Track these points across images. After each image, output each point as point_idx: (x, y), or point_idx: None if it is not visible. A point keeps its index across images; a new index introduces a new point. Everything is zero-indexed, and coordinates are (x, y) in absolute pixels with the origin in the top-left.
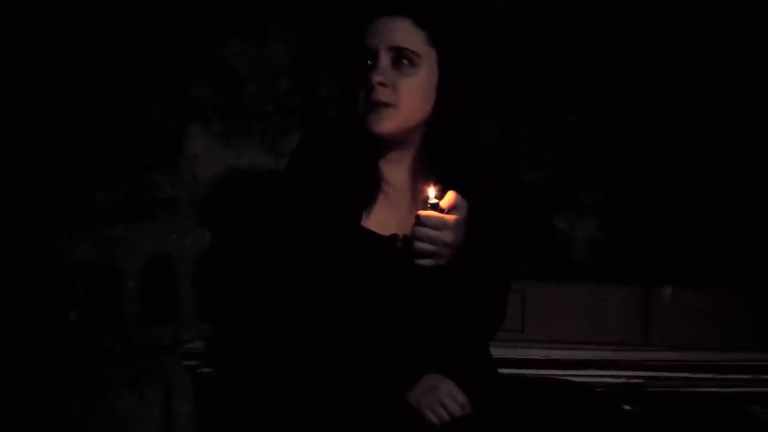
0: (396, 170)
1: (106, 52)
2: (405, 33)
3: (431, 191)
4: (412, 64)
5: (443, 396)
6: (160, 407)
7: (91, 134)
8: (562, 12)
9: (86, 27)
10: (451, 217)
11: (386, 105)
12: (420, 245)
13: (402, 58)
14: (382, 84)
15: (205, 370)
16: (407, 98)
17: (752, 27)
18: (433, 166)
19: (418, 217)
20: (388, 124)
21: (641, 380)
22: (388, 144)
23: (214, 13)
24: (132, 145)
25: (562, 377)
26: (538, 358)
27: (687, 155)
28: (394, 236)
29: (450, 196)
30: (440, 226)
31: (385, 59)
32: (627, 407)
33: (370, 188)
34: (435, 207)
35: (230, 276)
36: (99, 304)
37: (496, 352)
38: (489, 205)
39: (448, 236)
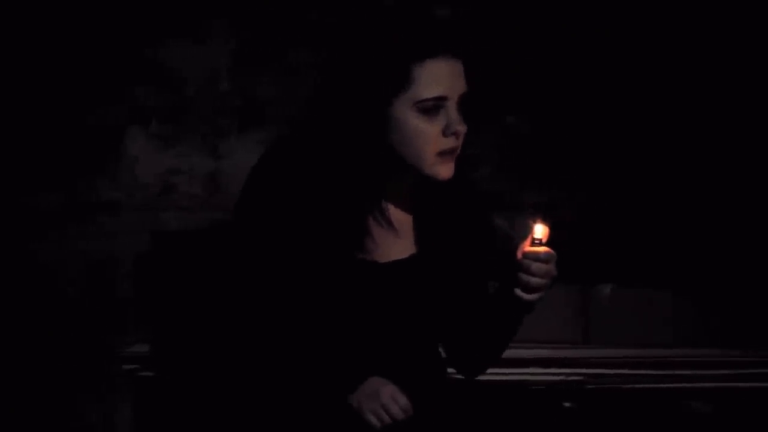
0: (396, 197)
1: (44, 53)
2: (464, 77)
3: (539, 227)
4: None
5: (385, 399)
6: (99, 411)
7: (31, 137)
8: (499, 13)
9: (25, 29)
10: (553, 251)
11: (456, 152)
12: (538, 281)
13: (463, 103)
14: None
15: (146, 373)
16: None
17: (682, 24)
18: (431, 194)
19: (532, 253)
20: (453, 170)
21: (581, 377)
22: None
23: (153, 14)
24: (71, 147)
25: (502, 375)
26: None
27: (626, 155)
28: (394, 263)
29: (546, 230)
30: (551, 260)
31: (456, 106)
32: (567, 404)
33: (370, 216)
34: (539, 242)
35: (174, 280)
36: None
37: None
38: (475, 236)
39: (554, 269)
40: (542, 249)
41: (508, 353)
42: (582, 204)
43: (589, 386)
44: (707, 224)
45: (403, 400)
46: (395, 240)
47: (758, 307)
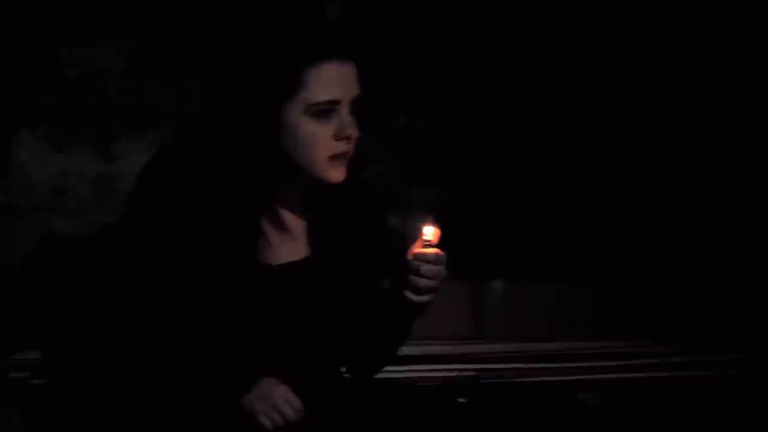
0: (289, 200)
1: None
2: (357, 80)
3: (428, 229)
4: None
5: (277, 400)
6: None
7: None
8: (390, 14)
9: None
10: (443, 252)
11: (348, 156)
12: (427, 282)
13: (355, 106)
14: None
15: (36, 381)
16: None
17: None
18: (324, 196)
19: (421, 255)
20: (345, 173)
21: (474, 373)
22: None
23: (42, 15)
24: None
25: (396, 373)
26: None
27: (518, 152)
28: (287, 265)
29: (437, 231)
30: (440, 261)
31: (349, 109)
32: (461, 400)
33: (263, 218)
34: (429, 243)
35: (64, 284)
36: None
37: None
38: (369, 237)
39: (444, 271)
40: (432, 251)
41: (402, 350)
42: (474, 201)
43: (483, 381)
44: (597, 216)
45: (295, 401)
46: (289, 242)
47: (652, 298)
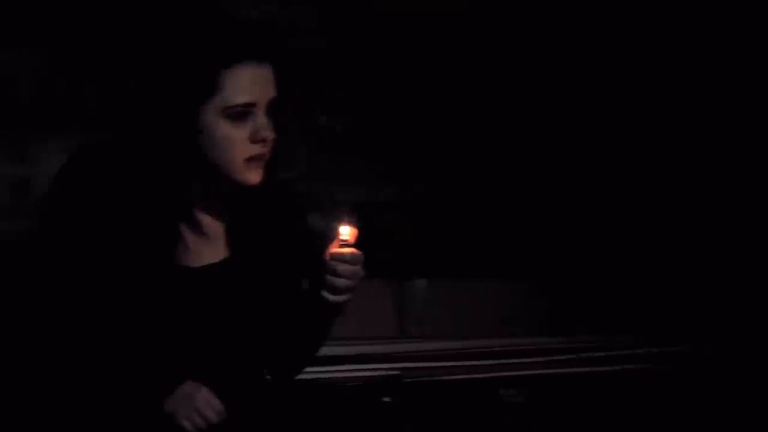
0: (208, 202)
1: None
2: (273, 82)
3: (344, 229)
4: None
5: (199, 403)
6: None
7: None
8: (310, 13)
9: None
10: (359, 252)
11: (265, 158)
12: (344, 282)
13: (272, 108)
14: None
15: None
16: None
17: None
18: (243, 197)
19: (338, 255)
20: (261, 175)
21: (398, 372)
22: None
23: None
24: None
25: (320, 374)
26: None
27: (438, 151)
28: (206, 267)
29: (353, 231)
30: (357, 261)
31: (265, 111)
32: (385, 399)
33: (181, 221)
34: (346, 243)
35: None
36: None
37: None
38: (289, 238)
39: (361, 270)
40: (348, 250)
41: (325, 351)
42: (396, 200)
43: (407, 380)
44: (517, 213)
45: (217, 404)
46: (208, 244)
47: (572, 294)
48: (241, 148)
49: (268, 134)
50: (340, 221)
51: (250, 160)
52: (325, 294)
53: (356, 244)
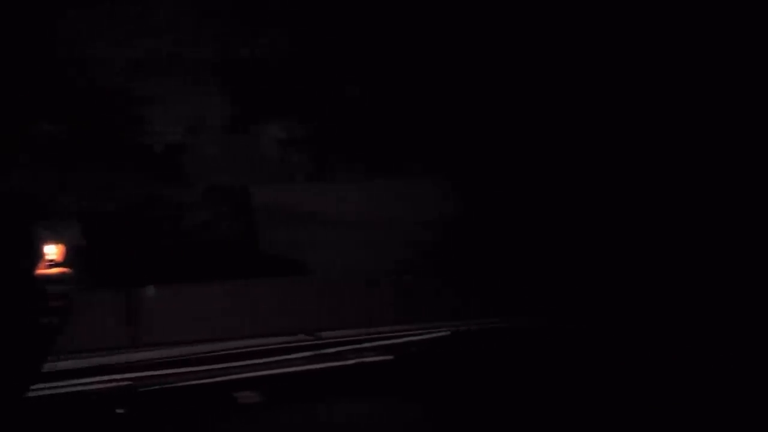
0: None
1: None
2: None
3: (50, 248)
4: None
5: None
6: None
7: None
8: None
9: None
10: (68, 270)
11: None
12: (54, 303)
13: None
14: None
15: None
16: None
17: None
18: None
19: (43, 276)
20: None
21: (131, 382)
22: None
23: None
24: None
25: (54, 389)
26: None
27: (165, 157)
28: None
29: (60, 249)
30: (65, 279)
31: None
32: (119, 411)
33: None
34: (52, 262)
35: None
36: None
37: None
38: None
39: (69, 288)
40: (55, 270)
41: (54, 365)
42: (122, 208)
43: (141, 389)
44: (234, 218)
45: None
46: None
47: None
48: None
49: None
50: (46, 240)
51: None
52: (39, 315)
53: (77, 256)
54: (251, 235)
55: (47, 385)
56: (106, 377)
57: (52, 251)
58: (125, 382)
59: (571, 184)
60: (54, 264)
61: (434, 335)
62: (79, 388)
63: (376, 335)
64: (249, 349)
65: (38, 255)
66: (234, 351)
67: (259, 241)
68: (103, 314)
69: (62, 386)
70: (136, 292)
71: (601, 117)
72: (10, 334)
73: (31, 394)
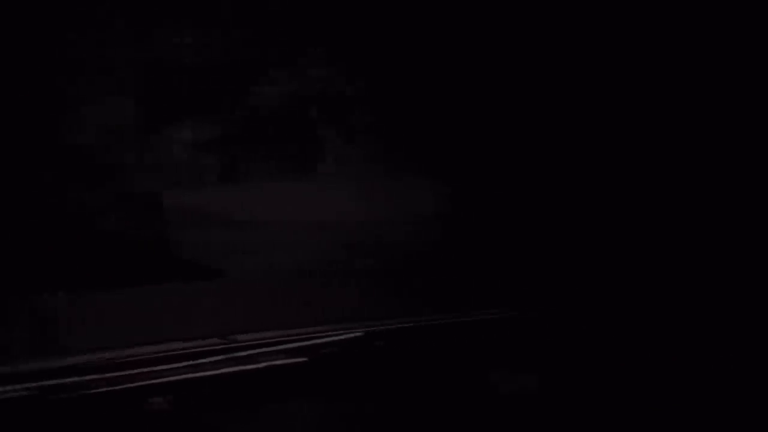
0: None
1: None
2: None
3: None
4: None
5: None
6: None
7: None
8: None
9: None
10: None
11: None
12: None
13: None
14: None
15: None
16: None
17: None
18: None
19: None
20: None
21: (37, 392)
22: None
23: None
24: None
25: None
26: None
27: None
28: None
29: None
30: None
31: None
32: (26, 420)
33: None
34: None
35: None
36: None
37: None
38: None
39: None
40: None
41: None
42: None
43: (51, 398)
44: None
45: None
46: None
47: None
48: None
49: None
50: None
51: None
52: None
53: None
54: (163, 239)
55: None
56: (9, 387)
57: None
58: (32, 392)
59: (567, 184)
60: None
61: (349, 336)
62: None
63: (293, 337)
64: (160, 355)
65: None
66: (144, 357)
67: (170, 244)
68: (8, 322)
69: None
70: (44, 299)
71: (602, 110)
72: None
73: None
